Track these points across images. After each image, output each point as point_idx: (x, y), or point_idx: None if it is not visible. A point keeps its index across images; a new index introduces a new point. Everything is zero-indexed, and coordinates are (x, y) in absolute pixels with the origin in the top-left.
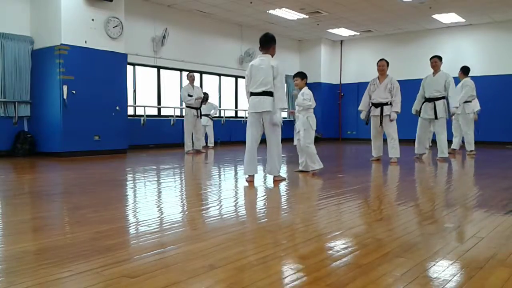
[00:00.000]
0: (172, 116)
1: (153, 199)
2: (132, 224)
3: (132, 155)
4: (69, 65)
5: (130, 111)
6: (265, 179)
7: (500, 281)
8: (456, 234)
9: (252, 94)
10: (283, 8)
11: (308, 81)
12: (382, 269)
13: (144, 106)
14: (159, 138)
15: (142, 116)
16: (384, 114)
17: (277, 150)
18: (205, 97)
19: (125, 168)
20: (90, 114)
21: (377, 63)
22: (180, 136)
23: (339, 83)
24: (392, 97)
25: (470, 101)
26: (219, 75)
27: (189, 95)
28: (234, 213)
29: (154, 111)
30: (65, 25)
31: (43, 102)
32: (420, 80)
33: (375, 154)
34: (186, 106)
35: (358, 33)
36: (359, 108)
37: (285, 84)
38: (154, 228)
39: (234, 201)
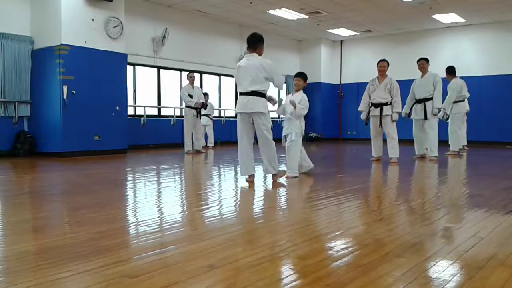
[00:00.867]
0: (172, 116)
1: (153, 199)
2: (132, 224)
3: (132, 155)
4: (69, 65)
5: (130, 111)
6: (265, 179)
7: (500, 281)
8: (456, 234)
9: (241, 94)
10: (283, 8)
11: (308, 81)
12: (382, 269)
13: (144, 106)
14: (159, 138)
15: (142, 116)
16: (383, 114)
17: (270, 150)
18: (206, 104)
19: (125, 168)
20: (90, 114)
21: (378, 64)
22: (180, 136)
23: (339, 83)
24: (391, 97)
25: (461, 101)
26: (219, 75)
27: (189, 95)
28: (234, 213)
29: (154, 111)
30: (65, 25)
31: (43, 102)
32: None
33: (375, 154)
34: (186, 106)
35: (358, 33)
36: (359, 108)
37: (285, 84)
38: (154, 228)
39: (234, 201)
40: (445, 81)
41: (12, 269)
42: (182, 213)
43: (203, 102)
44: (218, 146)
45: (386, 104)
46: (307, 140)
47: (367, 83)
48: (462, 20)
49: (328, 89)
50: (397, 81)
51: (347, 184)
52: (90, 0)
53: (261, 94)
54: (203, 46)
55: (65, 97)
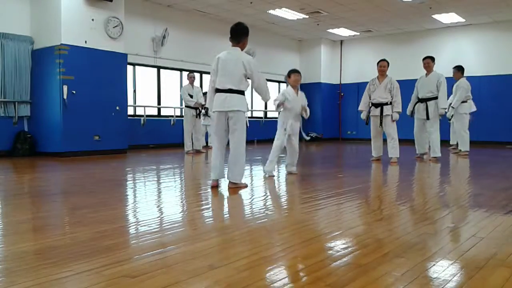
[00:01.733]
0: (172, 116)
1: (153, 199)
2: (132, 224)
3: (132, 155)
4: (69, 65)
5: (130, 111)
6: (264, 179)
7: (500, 281)
8: (456, 234)
9: (217, 90)
10: (283, 8)
11: (308, 81)
12: (382, 269)
13: (144, 106)
14: (159, 138)
15: (142, 116)
16: (384, 114)
17: (241, 155)
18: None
19: (125, 168)
20: (90, 114)
21: (378, 63)
22: (180, 136)
23: (339, 83)
24: (392, 97)
25: (465, 102)
26: None
27: (189, 95)
28: (234, 213)
29: (154, 111)
30: (65, 25)
31: (43, 102)
32: None
33: (375, 154)
34: (186, 106)
35: (358, 33)
36: (359, 108)
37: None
38: (154, 228)
39: (234, 201)
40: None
41: (12, 269)
42: (182, 213)
43: (202, 104)
44: None
45: (386, 104)
46: (307, 140)
47: (367, 83)
48: (462, 20)
49: (328, 89)
50: (397, 81)
51: (347, 184)
52: (90, 0)
53: (239, 92)
54: (203, 46)
55: (65, 97)
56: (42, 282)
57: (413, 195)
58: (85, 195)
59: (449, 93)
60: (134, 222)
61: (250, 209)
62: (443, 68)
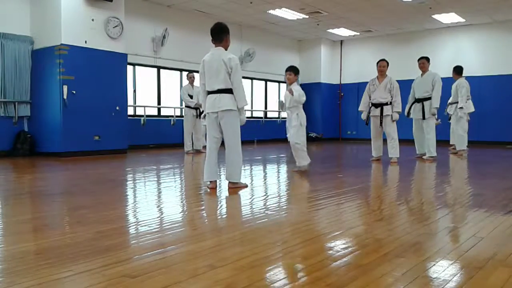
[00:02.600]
0: (172, 116)
1: (153, 199)
2: (132, 224)
3: (132, 155)
4: (69, 65)
5: (130, 111)
6: (265, 179)
7: (500, 281)
8: (456, 234)
9: (209, 92)
10: (283, 8)
11: (308, 81)
12: (382, 269)
13: (144, 106)
14: (159, 138)
15: (142, 116)
16: (384, 114)
17: (237, 154)
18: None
19: (125, 168)
20: (90, 114)
21: (378, 63)
22: (180, 136)
23: (339, 83)
24: (391, 97)
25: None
26: None
27: (189, 95)
28: (234, 213)
29: (154, 111)
30: (65, 25)
31: (43, 102)
32: None
33: (375, 154)
34: (186, 106)
35: (358, 33)
36: (359, 108)
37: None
38: (154, 228)
39: (234, 201)
40: (450, 81)
41: (12, 269)
42: (182, 213)
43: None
44: None
45: (386, 104)
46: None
47: (367, 83)
48: (462, 20)
49: (328, 89)
50: (397, 81)
51: (347, 184)
52: (90, 0)
53: (229, 91)
54: (203, 46)
55: (65, 97)
56: (42, 282)
57: (413, 195)
58: (85, 195)
59: (448, 92)
60: (134, 222)
61: (250, 209)
62: (443, 68)
